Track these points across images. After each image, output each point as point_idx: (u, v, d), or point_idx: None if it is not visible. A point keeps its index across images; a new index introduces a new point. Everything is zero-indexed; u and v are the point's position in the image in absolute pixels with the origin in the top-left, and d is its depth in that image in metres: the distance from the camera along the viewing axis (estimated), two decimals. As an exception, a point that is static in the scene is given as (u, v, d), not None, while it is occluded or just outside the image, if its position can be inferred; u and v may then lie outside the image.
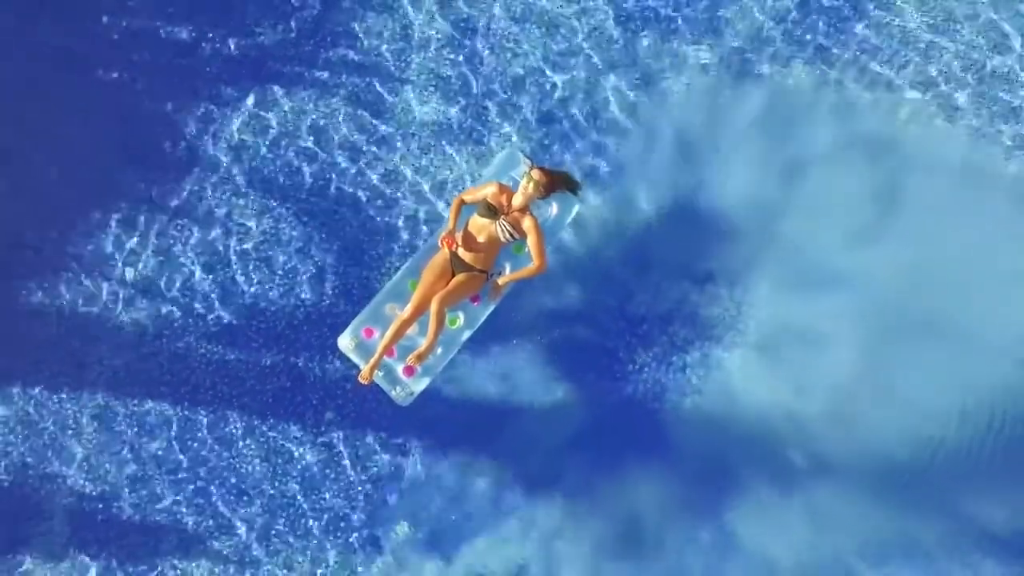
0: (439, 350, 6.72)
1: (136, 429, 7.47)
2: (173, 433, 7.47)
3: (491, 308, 6.88)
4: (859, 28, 8.03)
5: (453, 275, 6.73)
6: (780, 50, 7.98)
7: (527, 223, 6.67)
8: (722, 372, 7.68)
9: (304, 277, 7.58)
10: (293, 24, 7.97)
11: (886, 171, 7.85)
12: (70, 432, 7.46)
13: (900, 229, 7.77)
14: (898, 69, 7.94)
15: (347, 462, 7.49)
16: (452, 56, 7.93)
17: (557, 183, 6.71)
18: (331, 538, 7.45)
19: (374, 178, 7.75)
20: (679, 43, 7.99)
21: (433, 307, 6.56)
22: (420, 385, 6.71)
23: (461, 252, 6.71)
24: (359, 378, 6.66)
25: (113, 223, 7.65)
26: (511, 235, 6.68)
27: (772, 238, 7.78)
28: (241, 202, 7.70)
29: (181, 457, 7.44)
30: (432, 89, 7.86)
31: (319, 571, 7.38)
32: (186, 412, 7.50)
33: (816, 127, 7.91)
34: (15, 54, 7.87)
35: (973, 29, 7.97)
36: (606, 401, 7.62)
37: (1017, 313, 7.63)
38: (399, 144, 7.80)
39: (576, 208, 7.12)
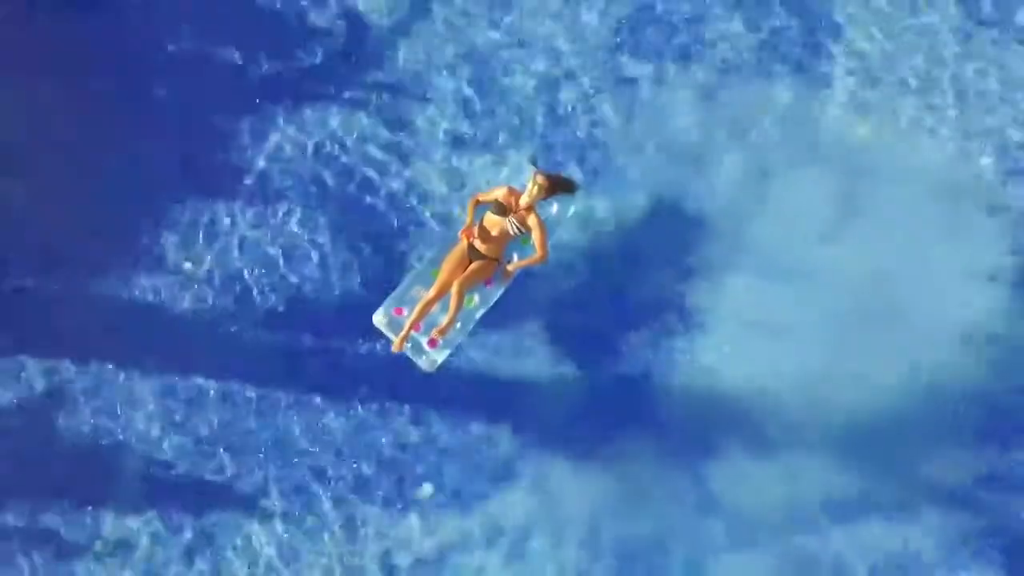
0: (458, 325, 7.98)
1: (193, 401, 8.66)
2: (226, 404, 8.67)
3: (502, 291, 8.13)
4: (835, 48, 9.21)
5: (470, 262, 7.95)
6: (759, 65, 9.17)
7: (532, 220, 7.88)
8: (704, 353, 8.81)
9: (341, 268, 8.79)
10: (327, 50, 9.18)
11: (847, 180, 9.02)
12: (138, 404, 8.64)
13: (859, 231, 8.95)
14: (867, 86, 9.13)
15: (378, 432, 8.67)
16: (467, 77, 9.14)
17: (557, 186, 7.95)
18: (363, 497, 8.61)
19: (400, 185, 8.94)
20: (668, 60, 9.18)
21: (453, 289, 7.82)
22: (442, 355, 7.98)
23: (477, 243, 7.94)
24: (392, 348, 7.91)
25: (176, 223, 8.85)
26: (519, 230, 7.88)
27: (747, 237, 8.93)
28: (284, 206, 8.90)
29: (233, 425, 8.64)
30: (451, 106, 9.06)
31: (355, 525, 8.57)
32: (237, 386, 8.69)
33: (791, 138, 9.08)
34: (84, 71, 9.07)
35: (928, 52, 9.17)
36: (602, 376, 8.76)
37: (953, 302, 8.80)
38: (422, 155, 9.00)
39: (573, 208, 8.37)
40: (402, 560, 8.61)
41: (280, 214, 8.87)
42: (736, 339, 8.81)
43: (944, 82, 9.12)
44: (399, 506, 8.61)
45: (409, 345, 7.94)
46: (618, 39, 9.19)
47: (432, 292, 7.87)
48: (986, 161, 9.00)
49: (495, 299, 8.14)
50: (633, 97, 9.10)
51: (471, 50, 9.17)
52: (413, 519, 8.63)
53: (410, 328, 7.85)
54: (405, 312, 7.96)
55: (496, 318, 8.42)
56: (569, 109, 9.07)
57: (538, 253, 7.91)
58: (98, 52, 9.16)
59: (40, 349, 8.72)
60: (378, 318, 8.02)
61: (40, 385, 8.68)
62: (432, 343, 7.97)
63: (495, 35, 9.19)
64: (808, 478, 8.66)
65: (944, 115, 9.07)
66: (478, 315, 8.09)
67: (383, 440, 8.63)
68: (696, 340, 8.83)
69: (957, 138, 9.03)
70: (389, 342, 7.95)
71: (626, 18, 9.22)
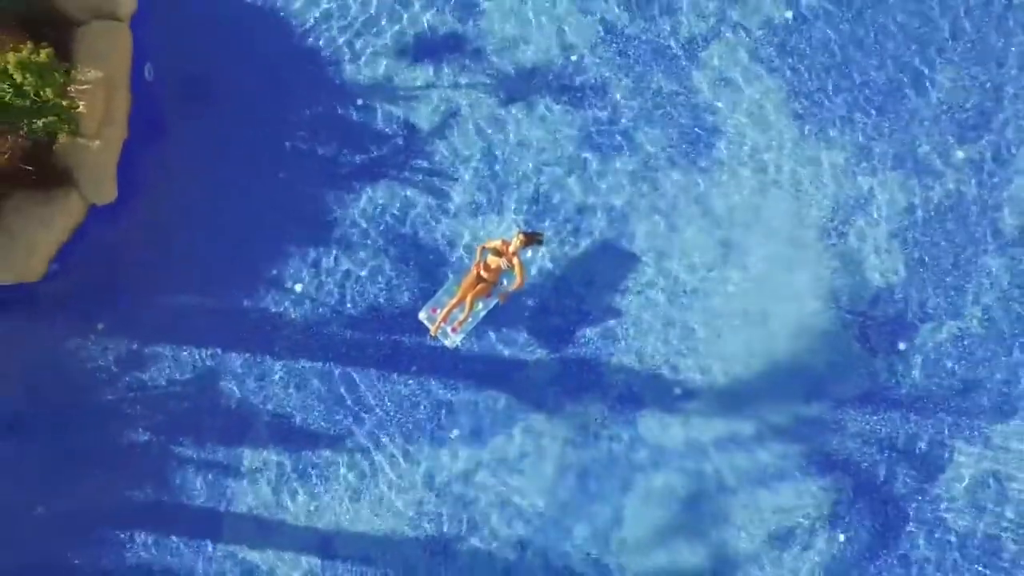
0: (470, 320, 13.13)
1: (295, 378, 13.73)
2: (317, 380, 13.72)
3: (495, 302, 13.31)
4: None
5: (478, 284, 13.01)
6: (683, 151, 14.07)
7: (516, 261, 12.98)
8: (643, 342, 13.65)
9: (396, 286, 13.85)
10: (391, 143, 14.27)
11: (727, 228, 13.85)
12: (260, 385, 13.71)
13: (736, 262, 13.76)
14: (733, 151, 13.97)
15: (421, 400, 13.63)
16: (484, 169, 14.15)
17: (531, 240, 13.09)
18: (407, 443, 13.56)
19: (438, 234, 13.95)
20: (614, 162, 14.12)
21: (467, 299, 12.98)
22: (459, 338, 13.22)
23: (483, 272, 13.04)
24: (430, 334, 13.05)
25: (287, 257, 13.95)
26: (508, 266, 12.95)
27: (664, 266, 13.78)
28: (366, 247, 13.96)
29: (319, 390, 13.68)
30: (472, 186, 14.08)
31: (398, 461, 13.49)
32: (326, 365, 13.74)
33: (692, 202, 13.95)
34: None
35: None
36: (568, 358, 13.68)
37: (799, 306, 13.63)
38: (453, 215, 14.00)
39: (542, 251, 13.45)
40: (441, 478, 13.53)
41: (363, 250, 13.95)
42: (662, 330, 13.65)
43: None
44: (431, 445, 13.59)
45: (440, 332, 13.13)
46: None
47: (454, 300, 13.06)
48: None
49: (491, 306, 13.41)
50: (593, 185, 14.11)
51: (488, 148, 14.18)
52: (445, 451, 13.57)
53: (441, 321, 13.07)
54: (438, 311, 13.21)
55: (491, 317, 13.56)
56: (546, 189, 14.06)
57: (518, 281, 13.04)
58: (230, 135, 14.40)
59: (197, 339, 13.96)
60: (421, 315, 13.37)
61: (208, 361, 13.87)
62: (454, 331, 13.20)
63: (510, 137, 14.19)
64: (713, 434, 13.53)
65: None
66: (481, 315, 13.36)
67: (423, 396, 13.63)
68: (637, 336, 13.71)
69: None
70: (427, 330, 13.16)
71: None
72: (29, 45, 11.53)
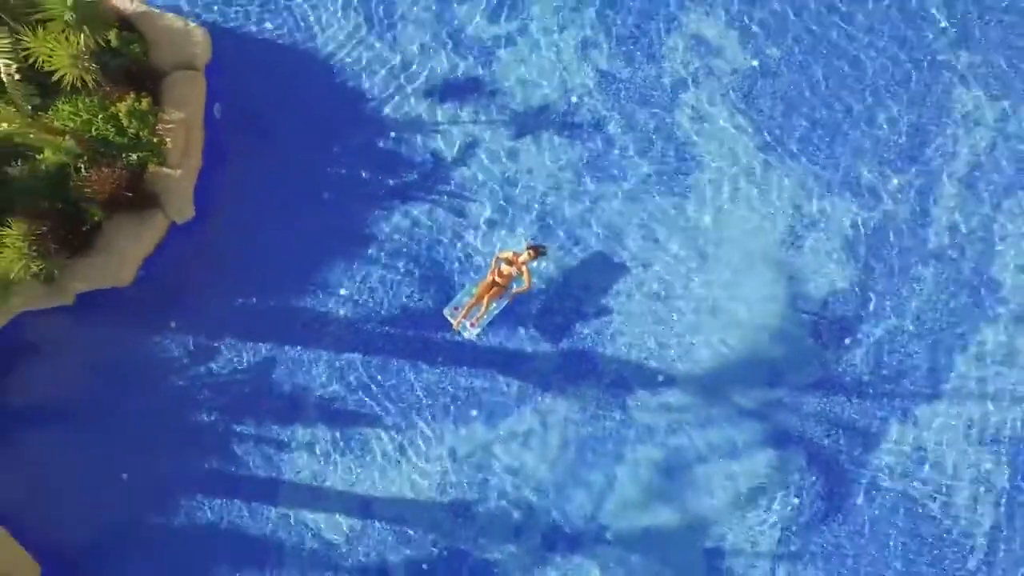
0: (486, 317, 15.69)
1: (339, 366, 16.29)
2: (357, 369, 16.27)
3: (507, 302, 15.84)
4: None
5: (493, 287, 15.53)
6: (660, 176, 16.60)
7: (524, 268, 15.48)
8: (631, 337, 16.15)
9: (424, 289, 16.36)
10: (418, 171, 16.86)
11: (702, 242, 16.36)
12: (309, 373, 16.29)
13: (709, 270, 16.29)
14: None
15: (445, 386, 16.20)
16: (495, 192, 16.68)
17: (537, 252, 15.58)
18: (434, 422, 16.12)
19: (459, 248, 16.49)
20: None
21: (484, 299, 15.49)
22: (477, 331, 15.76)
23: (497, 278, 15.55)
24: (453, 327, 15.60)
25: (332, 264, 16.55)
26: (518, 273, 15.48)
27: (649, 274, 16.31)
28: (397, 253, 16.52)
29: (359, 377, 16.23)
30: (488, 207, 16.60)
31: (426, 437, 16.08)
32: (365, 357, 16.30)
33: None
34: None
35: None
36: (568, 350, 16.18)
37: (762, 307, 16.08)
38: (472, 230, 16.54)
39: (546, 261, 15.96)
40: (462, 451, 16.05)
41: (396, 259, 16.51)
42: (650, 322, 16.18)
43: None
44: (456, 418, 16.15)
45: (460, 326, 15.72)
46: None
47: (473, 300, 15.62)
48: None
49: (503, 306, 15.95)
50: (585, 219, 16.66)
51: (502, 175, 16.72)
52: (465, 428, 16.12)
53: (461, 318, 15.64)
54: (459, 310, 15.77)
55: (503, 315, 16.10)
56: (549, 220, 16.58)
57: (526, 285, 15.54)
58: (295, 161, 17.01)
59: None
60: (445, 312, 15.91)
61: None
62: (472, 326, 15.74)
63: (521, 165, 16.76)
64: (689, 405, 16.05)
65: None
66: (495, 313, 15.91)
67: (447, 382, 16.19)
68: (624, 331, 16.22)
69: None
70: (450, 325, 15.74)
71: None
72: (132, 95, 14.18)
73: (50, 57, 12.92)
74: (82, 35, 12.45)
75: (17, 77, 12.04)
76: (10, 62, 11.93)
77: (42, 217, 14.15)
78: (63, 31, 12.69)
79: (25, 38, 12.81)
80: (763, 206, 16.29)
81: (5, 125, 12.33)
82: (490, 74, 16.85)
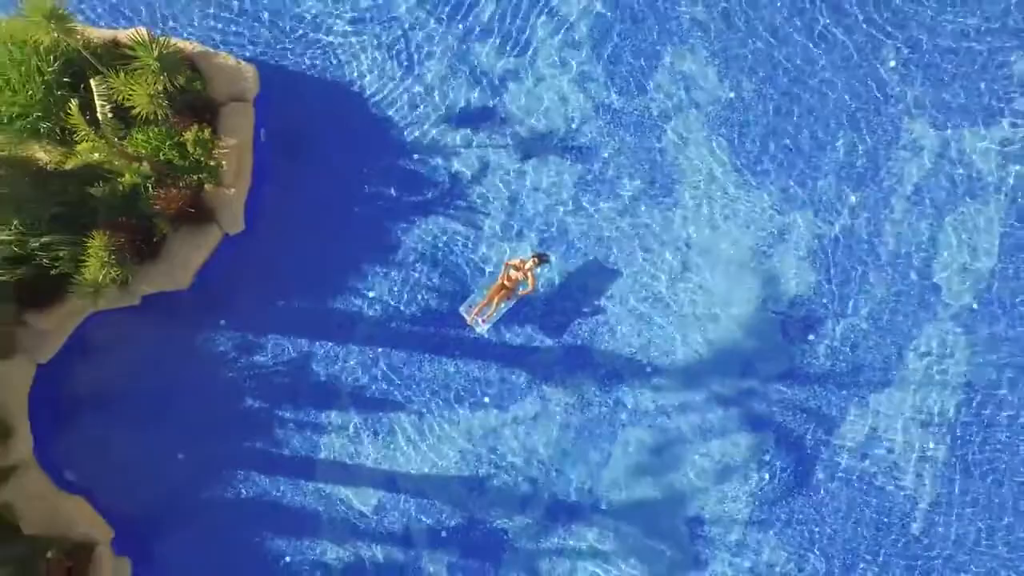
0: (495, 315, 18.02)
1: (368, 359, 18.62)
2: (384, 361, 18.58)
3: (513, 302, 18.09)
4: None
5: (502, 289, 17.85)
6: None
7: (529, 274, 17.73)
8: (623, 334, 18.41)
9: (442, 291, 18.57)
10: (437, 189, 19.22)
11: (685, 251, 18.67)
12: (342, 365, 18.63)
13: (691, 275, 18.59)
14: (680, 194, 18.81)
15: (461, 375, 18.52)
16: (504, 207, 18.95)
17: (541, 260, 17.84)
18: (451, 407, 18.44)
19: (473, 255, 18.75)
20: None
21: (494, 300, 17.83)
22: (487, 327, 18.07)
23: (505, 281, 17.84)
24: (467, 322, 17.94)
25: (362, 270, 18.92)
26: (523, 277, 17.78)
27: (639, 279, 18.61)
28: (418, 260, 18.85)
29: (385, 368, 18.55)
30: (499, 221, 18.88)
31: (444, 419, 18.41)
32: (391, 350, 18.56)
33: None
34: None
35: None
36: (568, 345, 18.45)
37: (737, 307, 18.33)
38: (485, 242, 18.80)
39: (547, 268, 18.28)
40: (476, 432, 18.32)
41: (418, 265, 18.80)
42: (639, 322, 18.53)
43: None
44: (471, 406, 18.49)
45: (473, 322, 18.11)
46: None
47: (484, 300, 17.94)
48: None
49: (511, 305, 18.24)
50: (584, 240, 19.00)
51: (511, 192, 18.97)
52: (479, 412, 18.42)
53: (475, 315, 17.98)
54: (472, 308, 18.07)
55: (511, 314, 18.37)
56: (554, 235, 18.89)
57: (530, 288, 17.78)
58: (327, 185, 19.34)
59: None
60: (461, 309, 18.20)
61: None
62: (483, 322, 18.07)
63: (527, 184, 19.08)
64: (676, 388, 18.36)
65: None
66: (503, 312, 18.23)
67: (462, 372, 18.49)
68: (617, 328, 18.54)
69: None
70: (465, 322, 18.11)
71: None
72: (196, 126, 16.57)
73: (130, 96, 15.35)
74: (162, 78, 14.80)
75: (111, 115, 14.43)
76: (105, 103, 14.31)
77: (119, 230, 16.52)
78: (145, 75, 15.07)
79: (111, 80, 15.24)
80: (738, 220, 18.40)
81: (97, 155, 14.67)
82: (500, 104, 18.74)
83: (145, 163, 15.64)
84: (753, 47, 18.54)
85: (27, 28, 14.42)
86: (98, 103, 14.26)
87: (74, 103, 14.44)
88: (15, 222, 15.24)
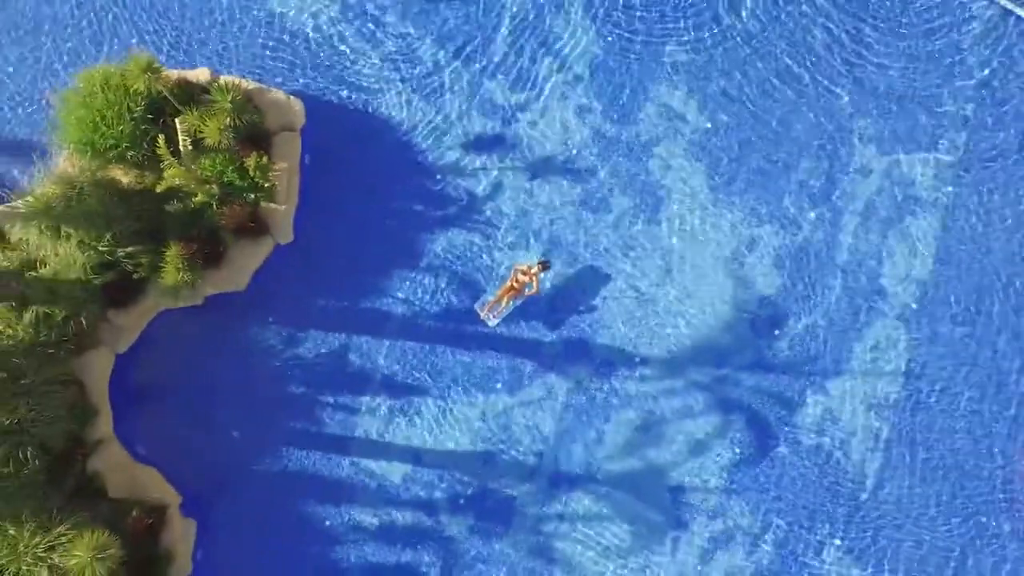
0: (505, 312, 20.67)
1: (396, 351, 21.50)
2: (410, 353, 21.18)
3: (520, 301, 20.73)
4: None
5: (511, 289, 20.57)
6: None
7: (535, 278, 20.36)
8: (616, 329, 21.22)
9: (460, 292, 21.08)
10: (457, 205, 22.18)
11: (669, 259, 21.53)
12: (373, 356, 21.49)
13: (675, 280, 21.45)
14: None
15: (476, 364, 21.35)
16: (514, 220, 21.79)
17: (545, 266, 20.46)
18: (467, 391, 21.27)
19: (487, 261, 21.35)
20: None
21: (504, 299, 20.55)
22: (497, 321, 20.68)
23: (513, 283, 20.45)
24: (481, 317, 20.65)
25: (392, 274, 21.80)
26: (530, 279, 20.42)
27: (630, 282, 21.45)
28: (440, 265, 21.64)
29: (411, 359, 21.21)
30: (511, 235, 21.71)
31: (461, 402, 21.28)
32: (416, 343, 21.28)
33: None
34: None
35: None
36: (568, 339, 21.03)
37: (713, 307, 21.00)
38: (497, 249, 21.48)
39: (551, 272, 21.06)
40: (489, 413, 20.91)
41: (440, 270, 21.51)
42: (630, 327, 21.40)
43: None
44: (485, 390, 21.32)
45: (485, 318, 20.72)
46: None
47: (495, 299, 20.51)
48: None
49: (518, 304, 20.75)
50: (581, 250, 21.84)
51: (520, 208, 21.65)
52: (491, 396, 21.20)
53: (487, 311, 20.49)
54: (485, 305, 20.59)
55: (520, 311, 20.95)
56: (551, 247, 21.79)
57: (535, 289, 20.37)
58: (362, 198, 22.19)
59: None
60: (476, 306, 20.72)
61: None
62: (494, 318, 20.62)
63: (534, 200, 22.04)
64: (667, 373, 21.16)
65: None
66: (512, 309, 20.71)
67: (477, 362, 21.22)
68: (613, 328, 21.36)
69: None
70: (479, 318, 20.66)
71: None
72: (255, 153, 19.55)
73: (202, 129, 18.41)
74: (232, 115, 17.80)
75: (191, 148, 17.46)
76: (187, 137, 17.34)
77: (189, 241, 19.54)
78: (218, 114, 18.07)
79: (188, 117, 18.31)
80: (715, 232, 20.53)
81: (179, 180, 17.69)
82: (511, 132, 20.72)
83: (214, 185, 18.56)
84: (727, 84, 21.04)
85: (124, 75, 17.40)
86: (181, 137, 17.25)
87: (162, 138, 17.43)
88: (108, 236, 18.14)
